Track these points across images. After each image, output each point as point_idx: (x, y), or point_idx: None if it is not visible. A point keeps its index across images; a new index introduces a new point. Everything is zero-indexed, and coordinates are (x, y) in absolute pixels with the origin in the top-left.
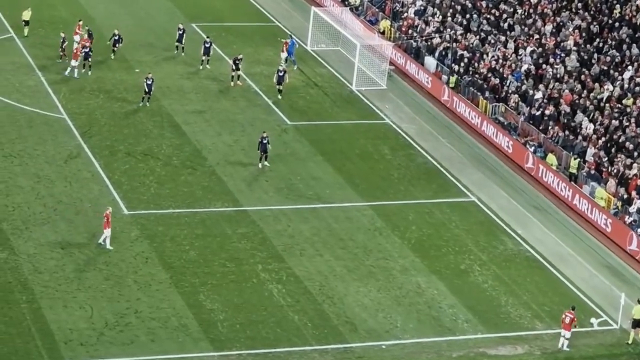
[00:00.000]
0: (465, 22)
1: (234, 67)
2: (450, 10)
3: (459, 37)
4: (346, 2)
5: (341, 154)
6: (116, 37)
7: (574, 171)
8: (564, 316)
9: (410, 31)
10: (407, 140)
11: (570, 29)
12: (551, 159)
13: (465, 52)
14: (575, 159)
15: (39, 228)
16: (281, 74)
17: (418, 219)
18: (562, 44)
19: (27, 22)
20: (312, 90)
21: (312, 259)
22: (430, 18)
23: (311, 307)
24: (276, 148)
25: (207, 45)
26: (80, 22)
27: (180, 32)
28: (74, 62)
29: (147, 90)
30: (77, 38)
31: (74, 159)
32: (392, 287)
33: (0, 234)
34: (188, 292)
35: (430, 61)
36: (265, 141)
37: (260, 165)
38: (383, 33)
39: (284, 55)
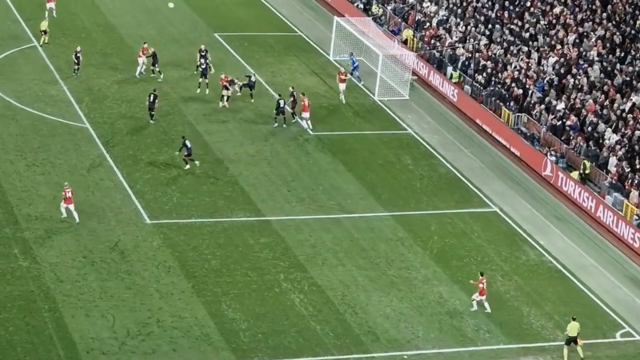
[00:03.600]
0: (488, 32)
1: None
2: (473, 20)
3: (482, 47)
4: (369, 12)
5: (363, 164)
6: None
7: (583, 172)
8: (481, 285)
9: (432, 41)
10: (430, 150)
11: (593, 40)
12: (576, 175)
13: (488, 63)
14: (587, 161)
15: (61, 237)
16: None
17: (440, 229)
18: (585, 54)
19: (45, 32)
20: (334, 100)
21: (334, 268)
22: (453, 28)
23: (333, 316)
24: (298, 158)
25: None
26: (145, 45)
27: (203, 54)
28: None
29: (149, 107)
30: (142, 60)
31: (97, 168)
32: (414, 297)
33: (23, 242)
34: (210, 302)
35: (455, 75)
36: (187, 143)
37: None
38: (406, 43)
39: (342, 86)
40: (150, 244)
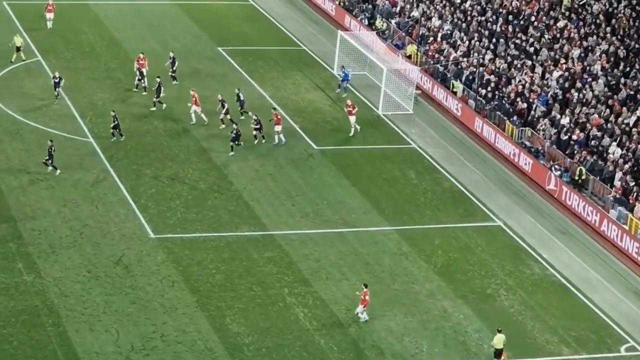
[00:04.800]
0: (492, 47)
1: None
2: (477, 35)
3: (486, 62)
4: (373, 27)
5: (367, 178)
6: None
7: (578, 178)
8: (363, 296)
9: (437, 55)
10: (433, 165)
11: (598, 54)
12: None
13: (492, 77)
14: (578, 167)
15: (65, 251)
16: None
17: (444, 243)
18: (589, 68)
19: (18, 49)
20: (338, 114)
21: (338, 283)
22: (457, 42)
23: (337, 331)
24: (303, 173)
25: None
26: (142, 55)
27: (171, 61)
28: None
29: (114, 125)
30: (142, 71)
31: (101, 183)
32: (418, 311)
33: (27, 257)
34: (214, 316)
35: (457, 85)
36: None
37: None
38: (410, 57)
39: (352, 119)
40: (155, 258)
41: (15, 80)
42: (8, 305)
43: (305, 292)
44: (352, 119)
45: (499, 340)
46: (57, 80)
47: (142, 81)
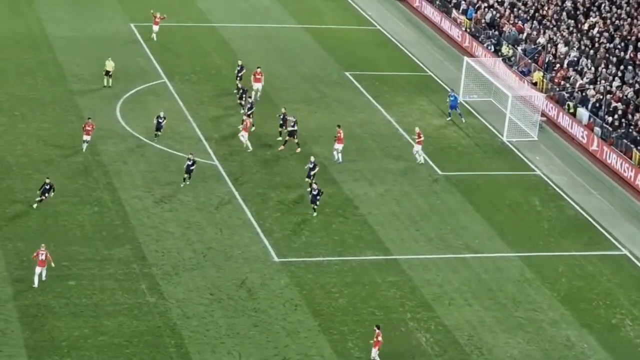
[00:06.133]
0: (620, 74)
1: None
2: (605, 62)
3: (613, 89)
4: (499, 53)
5: (491, 204)
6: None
7: None
8: (376, 338)
9: (563, 82)
10: (558, 192)
11: None
12: None
13: (619, 104)
14: None
15: (189, 273)
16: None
17: (568, 271)
18: None
19: (108, 73)
20: (463, 140)
21: (460, 308)
22: (584, 69)
23: (459, 357)
24: (427, 198)
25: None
26: (259, 69)
27: (238, 69)
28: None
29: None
30: (258, 86)
31: (225, 206)
32: (541, 339)
33: (150, 278)
34: (336, 340)
35: (583, 113)
36: (160, 120)
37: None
38: (535, 84)
39: (417, 147)
40: (278, 282)
41: (140, 103)
42: (131, 325)
43: (427, 317)
44: (417, 147)
45: None
46: (161, 121)
47: (243, 98)
